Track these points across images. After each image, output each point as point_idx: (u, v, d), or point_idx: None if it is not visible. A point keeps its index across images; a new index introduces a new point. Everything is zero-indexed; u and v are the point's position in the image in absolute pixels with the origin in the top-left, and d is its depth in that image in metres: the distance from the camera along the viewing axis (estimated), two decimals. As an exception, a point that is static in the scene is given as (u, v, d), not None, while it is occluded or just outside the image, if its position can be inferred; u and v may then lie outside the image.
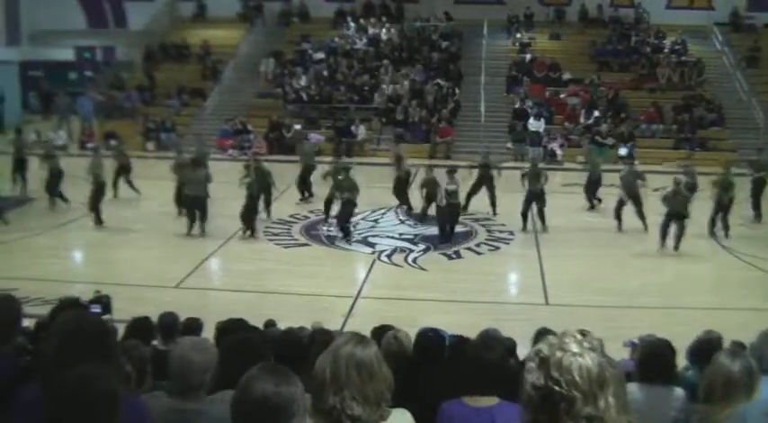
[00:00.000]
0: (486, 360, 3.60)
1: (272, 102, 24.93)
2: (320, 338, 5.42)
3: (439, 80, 24.86)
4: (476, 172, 16.55)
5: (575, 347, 1.79)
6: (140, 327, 6.00)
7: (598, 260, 13.51)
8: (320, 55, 26.42)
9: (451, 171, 14.44)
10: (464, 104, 24.28)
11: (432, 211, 15.39)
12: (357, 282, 12.40)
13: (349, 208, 14.31)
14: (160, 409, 3.16)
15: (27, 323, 4.69)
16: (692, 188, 15.07)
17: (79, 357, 2.60)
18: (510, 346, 5.51)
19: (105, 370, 2.55)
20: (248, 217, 14.33)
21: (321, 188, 16.30)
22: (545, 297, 11.65)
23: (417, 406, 3.03)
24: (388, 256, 13.65)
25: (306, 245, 14.36)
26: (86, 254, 14.51)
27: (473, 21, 27.04)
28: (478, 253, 14.03)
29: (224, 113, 24.40)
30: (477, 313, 10.32)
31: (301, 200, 17.14)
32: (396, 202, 16.77)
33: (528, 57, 25.85)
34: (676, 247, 13.58)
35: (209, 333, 6.08)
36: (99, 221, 14.86)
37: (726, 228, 14.69)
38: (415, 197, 16.21)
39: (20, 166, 17.34)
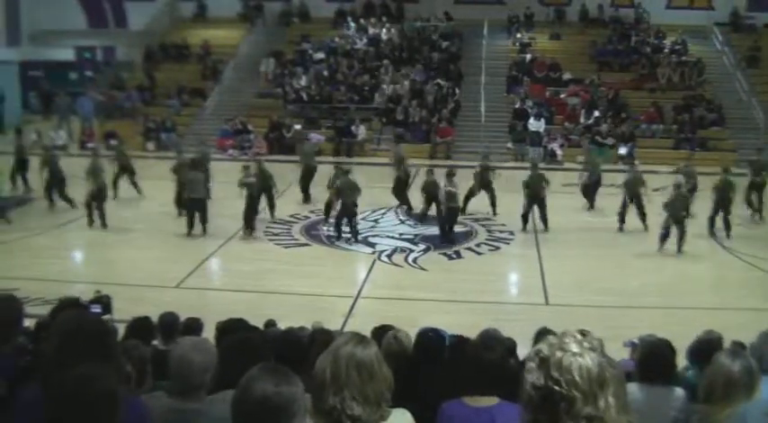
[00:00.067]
0: (486, 360, 3.60)
1: (272, 102, 24.93)
2: (320, 338, 5.42)
3: (439, 80, 24.86)
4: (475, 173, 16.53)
5: (575, 347, 1.79)
6: (140, 327, 6.00)
7: (598, 260, 13.51)
8: (320, 55, 26.43)
9: (450, 173, 14.42)
10: (464, 104, 24.28)
11: (431, 211, 15.42)
12: (357, 282, 12.40)
13: (347, 209, 14.28)
14: (160, 409, 3.16)
15: (27, 323, 4.68)
16: (693, 189, 15.09)
17: (79, 357, 2.60)
18: (510, 346, 5.51)
19: (105, 370, 2.55)
20: (249, 216, 14.34)
21: (322, 190, 16.30)
22: (545, 297, 11.65)
23: (417, 406, 3.03)
24: (389, 256, 13.65)
25: (306, 245, 14.37)
26: (86, 254, 14.51)
27: (473, 21, 27.04)
28: (479, 253, 14.02)
29: (224, 113, 24.40)
30: (477, 313, 10.32)
31: (304, 201, 17.14)
32: (396, 202, 16.78)
33: (528, 57, 25.85)
34: (679, 250, 13.57)
35: (209, 333, 6.08)
36: (91, 222, 14.84)
37: (727, 228, 14.70)
38: (415, 198, 16.22)
39: (21, 167, 17.33)
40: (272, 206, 15.65)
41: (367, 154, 22.50)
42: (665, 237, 13.58)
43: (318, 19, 28.59)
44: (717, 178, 14.96)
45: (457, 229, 14.62)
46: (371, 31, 27.37)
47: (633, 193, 15.04)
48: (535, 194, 14.98)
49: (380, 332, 5.35)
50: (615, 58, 25.91)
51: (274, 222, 15.46)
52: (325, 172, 17.06)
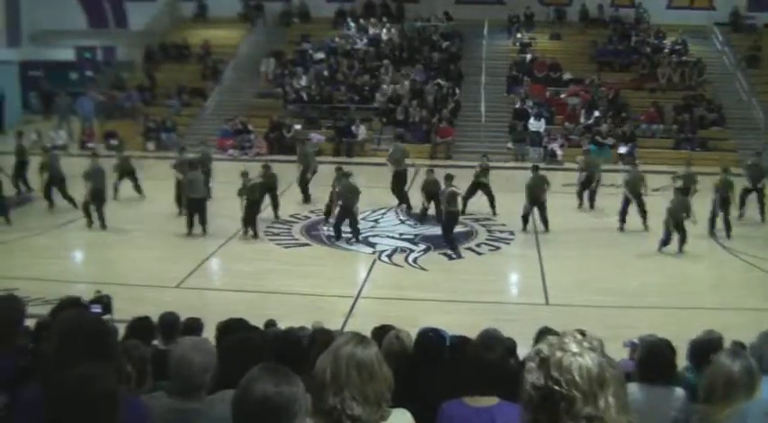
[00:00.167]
0: (486, 360, 3.60)
1: (272, 102, 24.94)
2: (321, 338, 5.42)
3: (439, 80, 24.86)
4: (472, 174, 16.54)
5: (574, 347, 1.79)
6: (141, 327, 6.00)
7: (598, 260, 13.51)
8: (320, 55, 26.43)
9: (449, 177, 14.42)
10: (464, 104, 24.28)
11: (431, 210, 15.45)
12: (358, 282, 12.40)
13: (347, 212, 14.28)
14: (160, 409, 3.16)
15: (27, 323, 4.68)
16: (686, 191, 14.99)
17: (79, 357, 2.61)
18: (510, 346, 5.51)
19: (105, 370, 2.55)
20: (250, 218, 14.33)
21: (322, 190, 16.30)
22: (545, 297, 11.65)
23: (417, 406, 3.03)
24: (389, 256, 13.65)
25: (306, 245, 14.37)
26: (87, 254, 14.51)
27: (473, 21, 27.05)
28: (479, 253, 14.03)
29: (224, 113, 24.40)
30: (477, 313, 10.32)
31: (304, 201, 17.14)
32: (395, 201, 16.79)
33: (528, 57, 25.85)
34: (680, 250, 13.58)
35: (209, 333, 6.08)
36: (90, 223, 14.85)
37: (728, 228, 14.70)
38: (415, 198, 16.23)
39: (21, 168, 17.33)
40: (275, 206, 15.65)
41: (367, 154, 22.49)
42: (665, 243, 13.58)
43: (318, 19, 28.59)
44: (717, 178, 14.97)
45: (457, 229, 14.59)
46: (372, 31, 27.37)
47: (634, 192, 15.05)
48: (536, 197, 15.00)
49: (381, 332, 5.35)
50: (615, 58, 25.90)
51: (276, 222, 15.45)
52: (324, 172, 17.09)
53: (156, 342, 5.96)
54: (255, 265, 13.14)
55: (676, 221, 13.46)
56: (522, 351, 5.47)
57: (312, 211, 16.41)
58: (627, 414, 1.78)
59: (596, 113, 23.36)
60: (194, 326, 6.53)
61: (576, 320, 9.16)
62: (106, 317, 7.25)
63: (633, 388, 4.02)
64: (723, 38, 25.84)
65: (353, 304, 11.17)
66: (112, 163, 17.02)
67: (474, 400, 3.45)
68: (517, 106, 23.76)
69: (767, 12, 26.68)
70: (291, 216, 15.98)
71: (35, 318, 5.97)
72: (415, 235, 14.96)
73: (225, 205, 15.50)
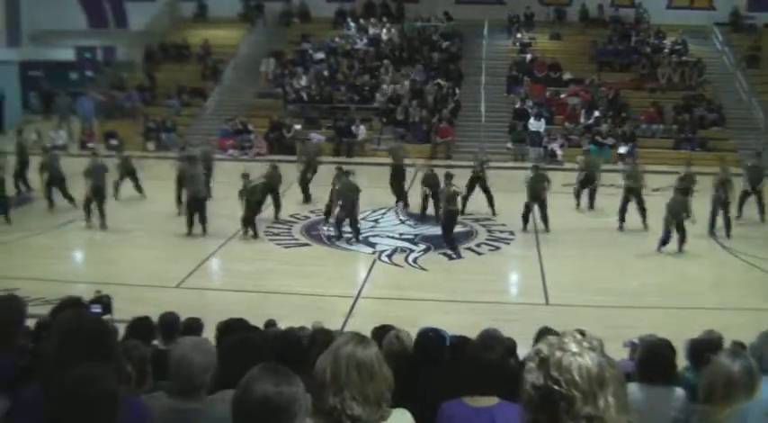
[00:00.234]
0: (486, 360, 3.60)
1: (272, 102, 24.94)
2: (321, 338, 5.42)
3: (439, 80, 24.87)
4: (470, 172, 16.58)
5: (574, 347, 1.79)
6: (141, 327, 6.00)
7: (598, 260, 13.51)
8: (320, 55, 26.43)
9: (449, 176, 14.44)
10: (464, 104, 24.28)
11: (430, 210, 15.47)
12: (358, 282, 12.40)
13: (347, 211, 14.29)
14: (160, 409, 3.16)
15: (28, 323, 4.68)
16: (686, 192, 14.98)
17: (79, 357, 2.61)
18: (510, 346, 5.51)
19: (105, 370, 2.55)
20: (250, 219, 14.34)
21: (323, 189, 16.31)
22: (545, 297, 11.65)
23: (417, 406, 3.03)
24: (389, 256, 13.65)
25: (306, 245, 14.37)
26: (87, 254, 14.52)
27: (473, 21, 27.05)
28: (479, 253, 14.03)
29: (224, 113, 24.41)
30: (477, 313, 10.32)
31: (304, 200, 17.15)
32: (394, 199, 16.80)
33: (528, 57, 25.85)
34: (680, 250, 13.58)
35: (209, 333, 6.08)
36: (88, 220, 14.86)
37: (728, 227, 14.70)
38: (414, 197, 16.24)
39: (22, 167, 17.33)
40: (277, 207, 15.65)
41: (367, 154, 22.49)
42: (665, 242, 13.58)
43: (318, 19, 28.60)
44: (716, 175, 14.98)
45: (457, 229, 14.59)
46: (372, 31, 27.38)
47: (634, 188, 15.05)
48: (537, 195, 14.99)
49: (381, 332, 5.35)
50: (615, 58, 25.90)
51: (276, 223, 15.44)
52: (324, 172, 17.10)
53: (156, 342, 5.96)
54: (255, 265, 13.13)
55: (677, 221, 13.46)
56: (522, 351, 5.48)
57: (312, 211, 16.41)
58: (627, 414, 1.78)
59: (596, 113, 23.36)
60: (194, 326, 6.52)
61: (575, 320, 9.16)
62: (106, 317, 7.25)
63: (633, 388, 4.02)
64: (723, 38, 25.84)
65: (353, 304, 11.16)
66: (114, 163, 17.02)
67: (474, 400, 3.45)
68: (517, 106, 23.76)
69: (767, 12, 26.68)
70: (291, 216, 15.98)
71: (35, 318, 5.97)
72: (415, 235, 14.96)
73: (225, 205, 15.50)
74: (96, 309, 6.94)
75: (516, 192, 15.92)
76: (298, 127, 23.28)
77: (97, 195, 14.82)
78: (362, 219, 15.10)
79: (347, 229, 14.45)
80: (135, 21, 28.81)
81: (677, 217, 13.45)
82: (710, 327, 6.34)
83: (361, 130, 23.04)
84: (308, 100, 24.60)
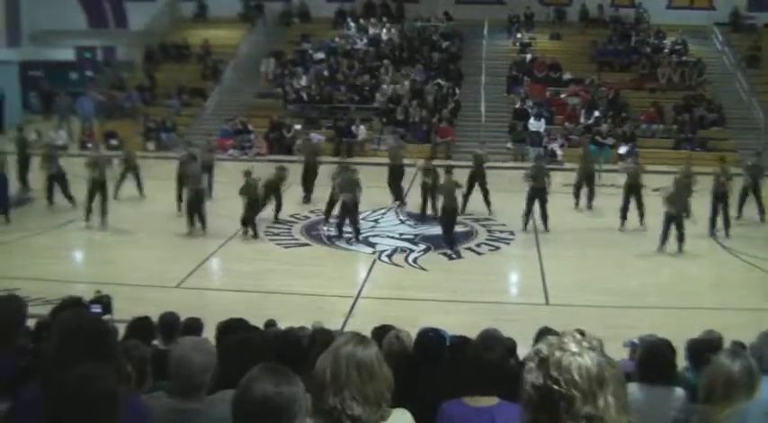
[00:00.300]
0: (486, 360, 3.60)
1: (272, 102, 24.94)
2: (321, 338, 5.42)
3: (439, 80, 24.87)
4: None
5: (574, 347, 1.79)
6: (141, 327, 6.00)
7: (598, 260, 13.51)
8: (320, 55, 26.43)
9: (449, 170, 14.45)
10: (464, 104, 24.28)
11: (429, 210, 15.49)
12: (358, 282, 12.40)
13: (346, 207, 14.31)
14: (160, 408, 3.16)
15: (28, 323, 4.69)
16: (687, 187, 15.01)
17: (79, 357, 2.61)
18: (510, 346, 5.51)
19: (105, 370, 2.55)
20: (251, 219, 14.34)
21: (323, 190, 16.30)
22: (545, 297, 11.65)
23: (417, 406, 3.03)
24: (389, 256, 13.65)
25: (306, 245, 14.36)
26: (87, 254, 14.52)
27: (473, 21, 27.05)
28: (479, 253, 14.02)
29: (224, 113, 24.40)
30: (477, 313, 10.32)
31: (305, 199, 17.15)
32: (393, 199, 16.81)
33: (528, 57, 25.86)
34: (680, 250, 13.58)
35: (209, 333, 6.08)
36: (88, 216, 14.87)
37: (727, 225, 14.70)
38: (413, 197, 16.24)
39: (23, 165, 17.34)
40: (278, 208, 15.65)
41: (367, 154, 22.49)
42: (665, 237, 13.58)
43: (318, 19, 28.60)
44: (715, 173, 14.99)
45: (457, 228, 14.60)
46: (372, 31, 27.38)
47: (633, 184, 15.05)
48: (538, 186, 14.95)
49: (381, 332, 5.35)
50: (615, 58, 25.91)
51: (276, 223, 15.43)
52: (325, 172, 17.08)
53: (156, 342, 5.96)
54: (255, 265, 13.13)
55: (677, 216, 13.43)
56: (522, 351, 5.48)
57: (312, 211, 16.41)
58: (627, 414, 1.78)
59: (596, 113, 23.37)
60: (194, 326, 6.52)
61: (576, 320, 9.15)
62: (106, 317, 7.25)
63: (633, 388, 4.02)
64: (723, 38, 25.84)
65: (353, 304, 11.16)
66: (117, 160, 17.07)
67: (474, 400, 3.45)
68: (517, 106, 23.76)
69: (767, 12, 26.68)
70: (291, 216, 15.98)
71: (35, 318, 5.97)
72: (415, 235, 14.96)
73: (225, 205, 15.50)
74: (96, 309, 6.95)
75: (516, 192, 15.93)
76: (298, 127, 23.27)
77: (100, 190, 14.83)
78: (362, 219, 15.10)
79: (348, 228, 14.44)
80: (135, 21, 28.81)
81: (677, 213, 13.41)
82: (710, 327, 6.34)
83: (361, 130, 23.04)
84: (308, 100, 24.60)
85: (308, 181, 17.33)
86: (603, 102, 23.89)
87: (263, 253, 13.78)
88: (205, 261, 13.32)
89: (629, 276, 12.65)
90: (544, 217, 15.04)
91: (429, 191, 15.58)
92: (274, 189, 15.42)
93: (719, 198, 14.67)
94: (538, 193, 15.00)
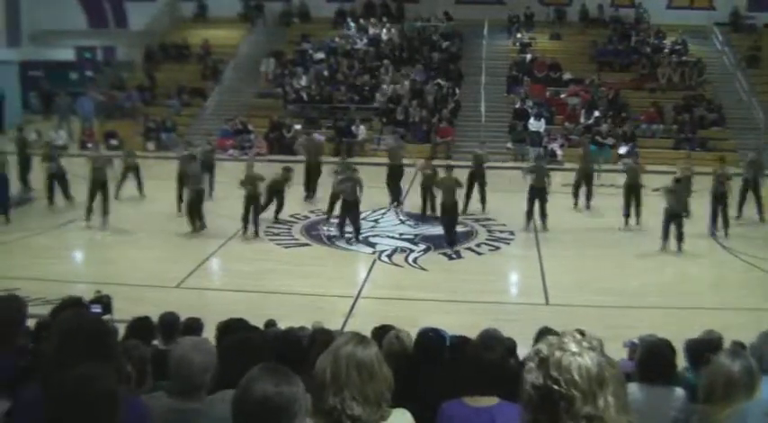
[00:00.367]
0: (486, 360, 3.60)
1: (272, 102, 24.94)
2: (321, 338, 5.42)
3: (439, 80, 24.87)
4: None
5: (574, 347, 1.79)
6: (141, 327, 5.99)
7: (598, 260, 13.51)
8: (320, 55, 26.43)
9: (450, 167, 14.43)
10: (464, 104, 24.28)
11: (428, 210, 15.50)
12: (358, 282, 12.40)
13: (347, 205, 14.32)
14: (160, 408, 3.16)
15: (28, 323, 4.69)
16: (686, 186, 15.04)
17: (79, 357, 2.61)
18: (510, 346, 5.51)
19: (105, 370, 2.55)
20: (254, 217, 14.36)
21: (325, 190, 16.33)
22: (545, 297, 11.65)
23: (417, 406, 3.03)
24: (389, 256, 13.65)
25: (306, 245, 14.36)
26: (87, 254, 14.52)
27: (473, 21, 27.04)
28: (479, 253, 14.03)
29: (224, 113, 24.40)
30: (477, 313, 10.32)
31: (306, 198, 17.14)
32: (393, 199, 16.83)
33: (528, 57, 25.86)
34: (679, 249, 13.59)
35: (209, 333, 6.08)
36: (89, 215, 14.87)
37: (726, 225, 14.71)
38: (412, 197, 16.23)
39: (24, 166, 17.34)
40: (279, 208, 15.65)
41: (367, 154, 22.48)
42: (666, 235, 13.58)
43: (318, 19, 28.59)
44: (714, 172, 15.00)
45: (457, 228, 14.59)
46: (372, 31, 27.37)
47: (633, 184, 15.06)
48: (538, 186, 14.95)
49: (381, 332, 5.35)
50: (615, 58, 25.90)
51: (276, 223, 15.44)
52: (327, 171, 17.12)
53: (156, 342, 5.96)
54: (255, 265, 13.13)
55: (676, 215, 13.44)
56: (522, 351, 5.47)
57: (312, 211, 16.41)
58: (627, 414, 1.78)
59: (596, 113, 23.37)
60: (194, 326, 6.52)
61: (576, 320, 9.15)
62: (106, 317, 7.25)
63: (633, 388, 4.02)
64: (723, 38, 25.83)
65: (353, 304, 11.16)
66: (118, 160, 17.09)
67: (474, 400, 3.45)
68: (517, 106, 23.77)
69: (767, 12, 26.68)
70: (291, 216, 15.98)
71: (35, 318, 5.97)
72: (415, 235, 14.96)
73: (225, 205, 15.50)
74: (96, 309, 6.95)
75: (516, 192, 15.92)
76: (298, 127, 23.28)
77: (101, 190, 14.84)
78: (363, 219, 15.10)
79: (348, 228, 14.44)
80: (135, 21, 28.80)
81: (674, 210, 13.41)
82: (710, 327, 6.34)
83: (361, 130, 23.04)
84: (308, 100, 24.60)
85: (312, 180, 17.32)
86: (603, 102, 23.89)
87: (263, 253, 13.78)
88: (205, 261, 13.32)
89: (629, 276, 12.65)
90: (543, 216, 15.05)
91: (428, 191, 15.59)
92: (279, 190, 15.42)
93: (719, 198, 14.70)
94: (538, 193, 15.02)
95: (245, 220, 14.33)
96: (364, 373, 2.50)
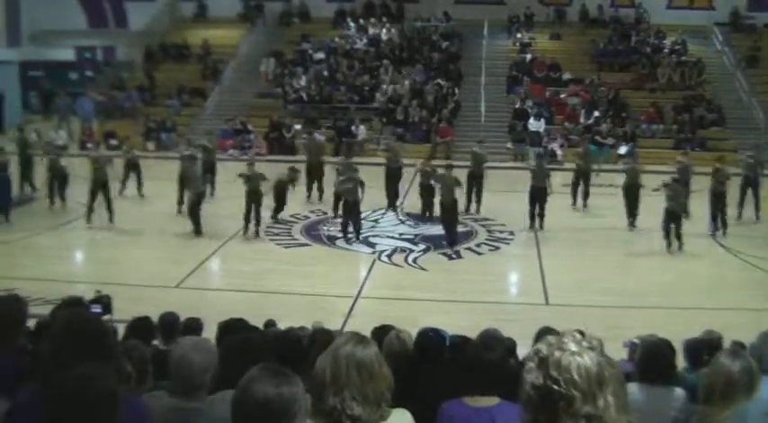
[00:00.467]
0: (486, 360, 3.60)
1: (272, 102, 24.95)
2: (320, 338, 5.41)
3: (439, 80, 24.88)
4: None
5: (573, 347, 1.79)
6: (141, 327, 5.99)
7: (598, 260, 13.51)
8: (320, 55, 26.43)
9: (450, 167, 14.44)
10: (464, 104, 24.29)
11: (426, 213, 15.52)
12: (357, 282, 12.40)
13: (348, 205, 14.33)
14: (161, 408, 3.16)
15: (28, 323, 4.69)
16: (685, 184, 15.04)
17: (79, 357, 2.60)
18: (510, 346, 5.51)
19: (105, 370, 2.55)
20: (256, 215, 14.37)
21: (327, 191, 16.35)
22: (545, 297, 11.65)
23: (417, 406, 3.03)
24: (389, 257, 13.65)
25: (306, 245, 14.36)
26: (87, 254, 14.52)
27: (473, 21, 27.06)
28: (479, 253, 14.03)
29: (224, 113, 24.40)
30: (477, 313, 10.31)
31: (308, 199, 17.15)
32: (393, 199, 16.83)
33: (528, 57, 25.86)
34: (679, 249, 13.59)
35: (209, 333, 6.08)
36: (89, 217, 14.87)
37: (724, 225, 14.71)
38: (411, 197, 16.23)
39: (25, 166, 17.35)
40: (281, 208, 15.63)
41: (367, 154, 22.47)
42: (667, 237, 13.59)
43: (318, 19, 28.60)
44: (714, 167, 15.02)
45: (457, 228, 14.59)
46: (371, 31, 27.38)
47: (631, 185, 15.06)
48: (539, 185, 14.94)
49: (381, 332, 5.35)
50: (615, 58, 25.92)
51: (277, 223, 15.44)
52: (328, 170, 17.13)
53: (156, 342, 5.96)
54: (255, 265, 13.13)
55: (673, 215, 13.45)
56: (522, 351, 5.47)
57: (312, 211, 16.41)
58: (626, 413, 1.78)
59: (596, 113, 23.37)
60: (194, 326, 6.52)
61: (576, 320, 9.14)
62: (106, 317, 7.25)
63: (633, 388, 4.02)
64: (723, 38, 25.85)
65: (353, 304, 11.16)
66: (119, 160, 17.09)
67: (474, 400, 3.45)
68: (517, 106, 23.77)
69: (767, 12, 26.69)
70: (291, 216, 15.97)
71: (36, 318, 5.97)
72: (415, 235, 14.96)
73: (225, 205, 15.50)
74: (96, 309, 6.95)
75: (516, 192, 15.91)
76: (298, 127, 23.28)
77: (102, 191, 14.83)
78: (363, 219, 15.10)
79: (349, 228, 14.44)
80: (135, 21, 28.81)
81: (674, 210, 13.42)
82: (710, 327, 6.35)
83: (361, 130, 23.04)
84: (307, 100, 24.61)
85: (318, 180, 17.28)
86: (603, 102, 23.89)
87: (263, 253, 13.78)
88: (205, 261, 13.32)
89: (629, 276, 12.66)
90: (541, 216, 15.06)
91: (427, 191, 15.56)
92: (283, 190, 15.41)
93: (718, 197, 14.70)
94: (538, 193, 15.03)
95: (247, 219, 14.34)
96: (364, 373, 2.50)
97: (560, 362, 1.77)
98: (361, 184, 14.42)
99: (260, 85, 25.83)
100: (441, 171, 14.85)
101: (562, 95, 24.50)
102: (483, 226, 15.60)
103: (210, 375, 3.20)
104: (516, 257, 14.26)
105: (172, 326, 6.22)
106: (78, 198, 15.77)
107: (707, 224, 14.83)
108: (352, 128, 23.02)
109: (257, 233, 14.41)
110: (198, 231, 14.36)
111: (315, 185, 17.29)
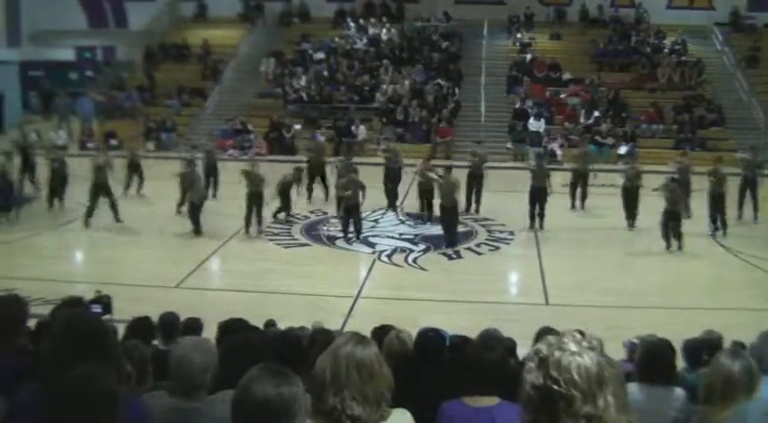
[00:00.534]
0: (486, 360, 3.60)
1: (272, 102, 24.95)
2: (320, 338, 5.42)
3: (439, 80, 24.88)
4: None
5: (573, 347, 1.79)
6: (141, 327, 5.99)
7: (598, 260, 13.51)
8: (320, 55, 26.44)
9: (449, 169, 14.43)
10: (464, 104, 24.29)
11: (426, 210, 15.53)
12: (357, 282, 12.40)
13: (348, 205, 14.34)
14: (161, 408, 3.16)
15: (28, 323, 4.69)
16: (685, 184, 15.07)
17: (79, 357, 2.61)
18: (510, 346, 5.51)
19: (105, 370, 2.55)
20: (257, 215, 14.37)
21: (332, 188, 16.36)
22: (545, 297, 11.65)
23: (417, 406, 3.03)
24: (389, 256, 13.64)
25: (306, 245, 14.36)
26: (87, 254, 14.52)
27: (473, 21, 27.06)
28: (479, 253, 14.02)
29: (224, 113, 24.41)
30: (477, 313, 10.31)
31: (308, 199, 17.15)
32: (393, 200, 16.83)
33: (528, 57, 25.86)
34: (679, 248, 13.60)
35: (209, 333, 6.08)
36: (89, 219, 14.85)
37: (723, 226, 14.71)
38: (410, 198, 16.22)
39: (26, 165, 17.34)
40: (279, 209, 15.62)
41: (367, 154, 22.47)
42: (667, 237, 13.59)
43: (318, 19, 28.60)
44: (710, 168, 15.04)
45: (458, 229, 14.58)
46: (371, 31, 27.38)
47: (630, 185, 15.06)
48: (539, 185, 14.95)
49: (381, 332, 5.35)
50: (615, 58, 25.92)
51: (275, 223, 15.44)
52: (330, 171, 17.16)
53: (156, 342, 5.96)
54: (255, 265, 13.13)
55: (672, 215, 13.45)
56: (522, 351, 5.47)
57: (312, 212, 16.41)
58: (626, 413, 1.78)
59: (596, 113, 23.38)
60: (194, 326, 6.52)
61: (576, 320, 9.13)
62: (106, 317, 7.25)
63: (633, 388, 4.02)
64: (723, 38, 25.85)
65: (353, 304, 11.16)
66: (120, 161, 17.10)
67: (474, 400, 3.45)
68: (517, 106, 23.77)
69: (767, 12, 26.69)
70: (292, 216, 15.97)
71: (36, 318, 5.97)
72: (415, 235, 14.96)
73: (225, 205, 15.50)
74: (96, 309, 6.95)
75: (516, 192, 15.91)
76: (298, 127, 23.29)
77: (104, 191, 14.83)
78: (363, 218, 15.10)
79: (351, 228, 14.44)
80: (135, 21, 28.81)
81: (673, 210, 13.42)
82: (710, 327, 6.35)
83: (361, 130, 23.04)
84: (307, 100, 24.61)
85: (322, 179, 17.28)
86: (603, 102, 23.90)
87: (262, 253, 13.78)
88: (205, 261, 13.32)
89: (629, 276, 12.66)
90: (541, 216, 15.06)
91: (427, 193, 15.54)
92: (287, 190, 15.41)
93: (717, 198, 14.71)
94: (538, 193, 15.03)
95: (248, 219, 14.35)
96: (364, 373, 2.50)
97: (560, 362, 1.77)
98: (362, 187, 14.40)
99: (260, 85, 25.83)
100: (440, 172, 14.84)
101: (562, 95, 24.50)
102: (483, 226, 15.60)
103: (210, 375, 3.20)
104: (516, 257, 14.26)
105: (172, 326, 6.22)
106: (78, 198, 15.77)
107: (707, 224, 14.83)
108: (352, 128, 23.02)
109: (260, 232, 14.41)
110: (198, 231, 14.36)
111: (317, 186, 17.29)
